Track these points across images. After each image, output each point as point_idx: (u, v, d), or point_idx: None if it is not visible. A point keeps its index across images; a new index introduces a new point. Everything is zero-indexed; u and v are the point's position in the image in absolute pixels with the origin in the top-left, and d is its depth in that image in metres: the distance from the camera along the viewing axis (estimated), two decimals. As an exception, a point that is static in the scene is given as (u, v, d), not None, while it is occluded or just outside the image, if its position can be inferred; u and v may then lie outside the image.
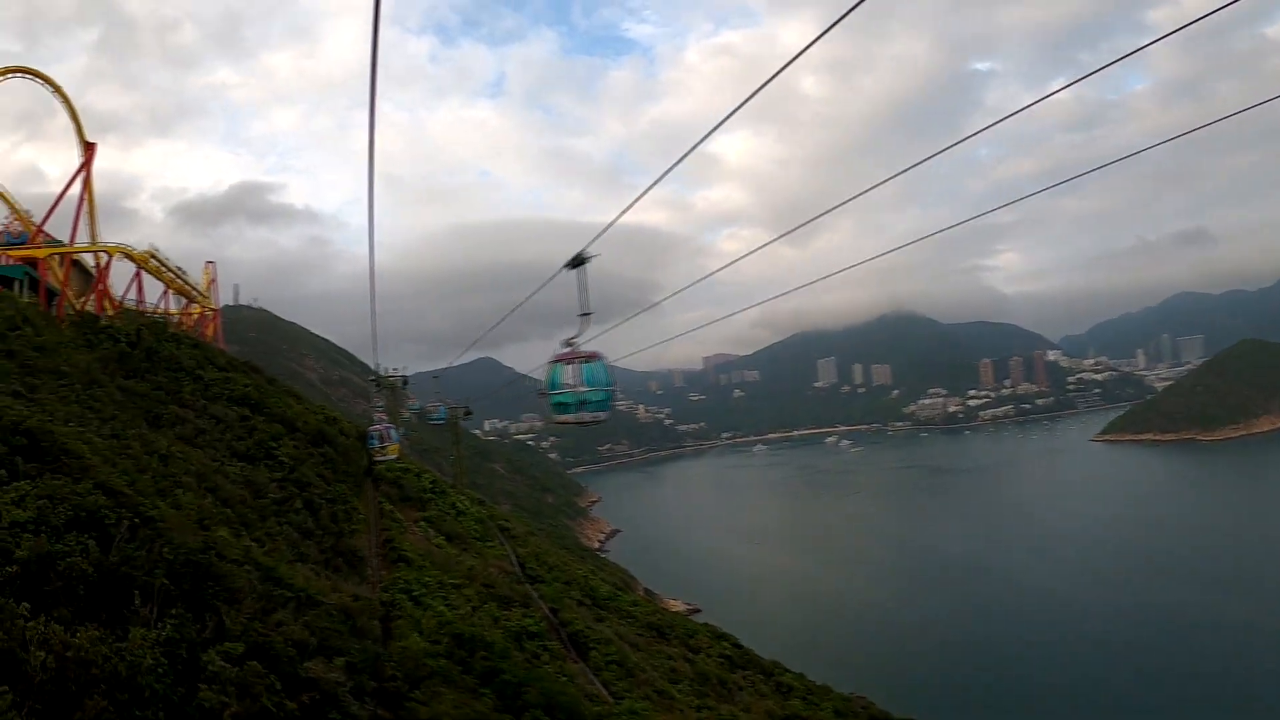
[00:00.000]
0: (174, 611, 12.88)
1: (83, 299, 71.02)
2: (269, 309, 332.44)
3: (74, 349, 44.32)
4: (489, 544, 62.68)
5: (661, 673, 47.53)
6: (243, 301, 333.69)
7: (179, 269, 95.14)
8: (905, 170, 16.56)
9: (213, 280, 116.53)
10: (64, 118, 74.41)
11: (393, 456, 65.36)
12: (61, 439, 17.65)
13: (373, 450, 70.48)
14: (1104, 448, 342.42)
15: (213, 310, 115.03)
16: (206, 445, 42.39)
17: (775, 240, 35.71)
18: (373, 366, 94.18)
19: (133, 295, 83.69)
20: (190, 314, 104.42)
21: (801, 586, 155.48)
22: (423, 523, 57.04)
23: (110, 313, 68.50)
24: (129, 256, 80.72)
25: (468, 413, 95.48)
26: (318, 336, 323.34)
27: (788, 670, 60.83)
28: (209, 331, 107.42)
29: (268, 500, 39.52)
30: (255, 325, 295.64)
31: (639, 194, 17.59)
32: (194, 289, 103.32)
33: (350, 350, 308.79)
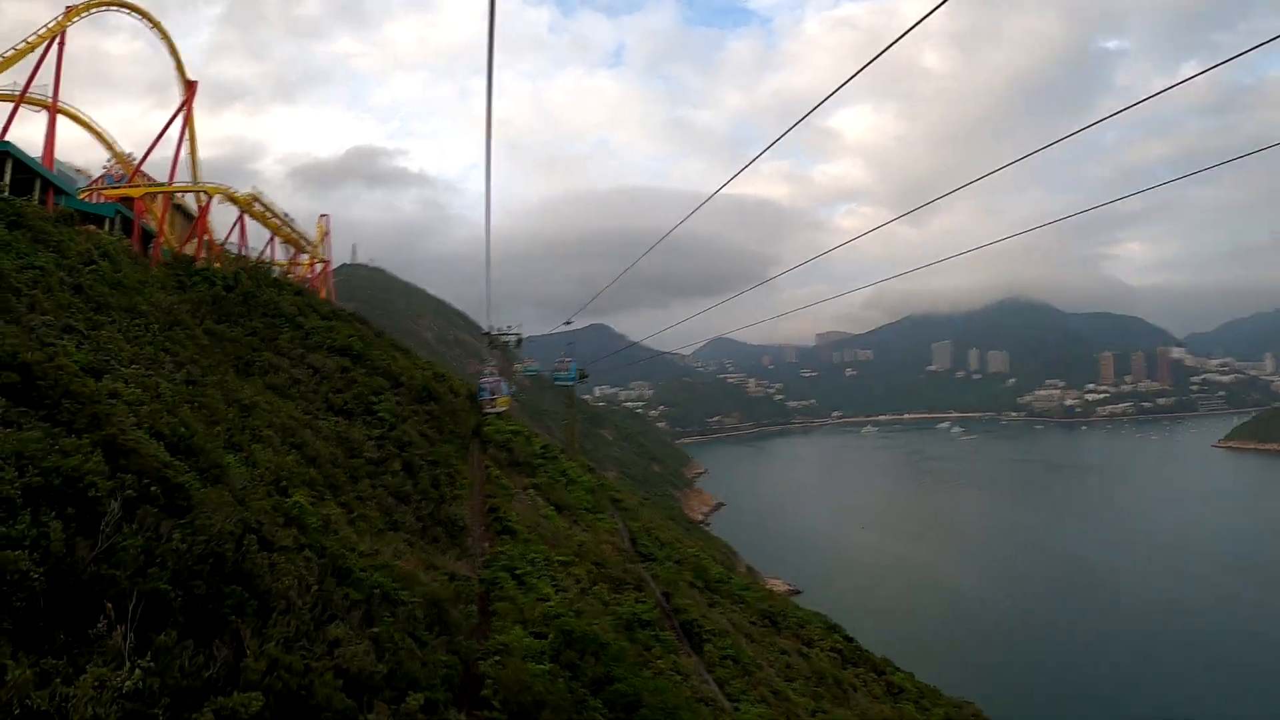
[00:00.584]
0: (161, 637, 8.51)
1: (182, 242, 68.28)
2: (386, 268, 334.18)
3: (159, 289, 40.35)
4: (599, 516, 58.13)
5: (777, 668, 43.20)
6: (360, 260, 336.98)
7: (286, 215, 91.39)
8: (1029, 154, 16.68)
9: (326, 234, 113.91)
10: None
11: (503, 409, 68.47)
12: (69, 378, 13.21)
13: (483, 402, 70.18)
14: (1227, 455, 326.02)
15: (323, 262, 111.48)
16: (299, 397, 39.15)
17: (892, 222, 35.45)
18: (485, 328, 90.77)
19: (236, 240, 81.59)
20: (297, 264, 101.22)
21: (908, 576, 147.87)
22: (531, 490, 52.51)
23: (210, 256, 65.32)
24: (231, 199, 77.66)
25: (584, 375, 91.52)
26: (434, 297, 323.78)
27: (898, 669, 56.17)
28: (318, 284, 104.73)
29: (362, 460, 35.99)
30: (371, 284, 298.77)
31: (749, 164, 18.69)
32: (302, 238, 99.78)
33: (466, 312, 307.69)
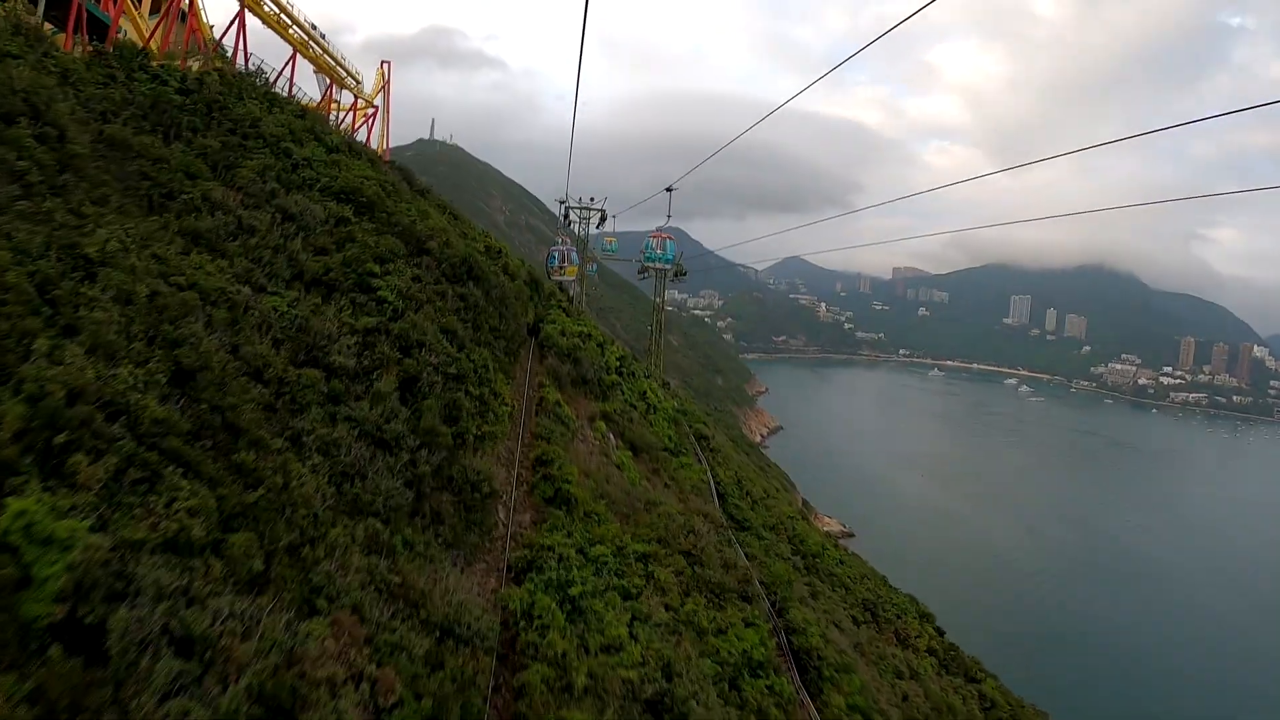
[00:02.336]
0: None
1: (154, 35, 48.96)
2: (464, 147, 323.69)
3: (62, 85, 24.59)
4: (684, 461, 43.90)
5: (893, 700, 33.50)
6: (438, 136, 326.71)
7: (313, 27, 68.06)
8: (1141, 133, 16.42)
9: (387, 82, 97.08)
10: None
11: (570, 279, 70.47)
12: None
13: (551, 269, 69.41)
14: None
15: (373, 108, 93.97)
16: (241, 255, 22.22)
17: (994, 173, 36.39)
18: (562, 200, 79.74)
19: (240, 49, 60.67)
20: (334, 103, 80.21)
21: (958, 534, 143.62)
22: (600, 423, 37.70)
23: (201, 56, 45.51)
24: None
25: (681, 272, 79.69)
26: (510, 180, 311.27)
27: (987, 674, 50.58)
28: (361, 131, 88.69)
29: (319, 372, 19.49)
30: (447, 160, 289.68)
31: (825, 75, 20.24)
32: (340, 64, 77.70)
33: (543, 199, 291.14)
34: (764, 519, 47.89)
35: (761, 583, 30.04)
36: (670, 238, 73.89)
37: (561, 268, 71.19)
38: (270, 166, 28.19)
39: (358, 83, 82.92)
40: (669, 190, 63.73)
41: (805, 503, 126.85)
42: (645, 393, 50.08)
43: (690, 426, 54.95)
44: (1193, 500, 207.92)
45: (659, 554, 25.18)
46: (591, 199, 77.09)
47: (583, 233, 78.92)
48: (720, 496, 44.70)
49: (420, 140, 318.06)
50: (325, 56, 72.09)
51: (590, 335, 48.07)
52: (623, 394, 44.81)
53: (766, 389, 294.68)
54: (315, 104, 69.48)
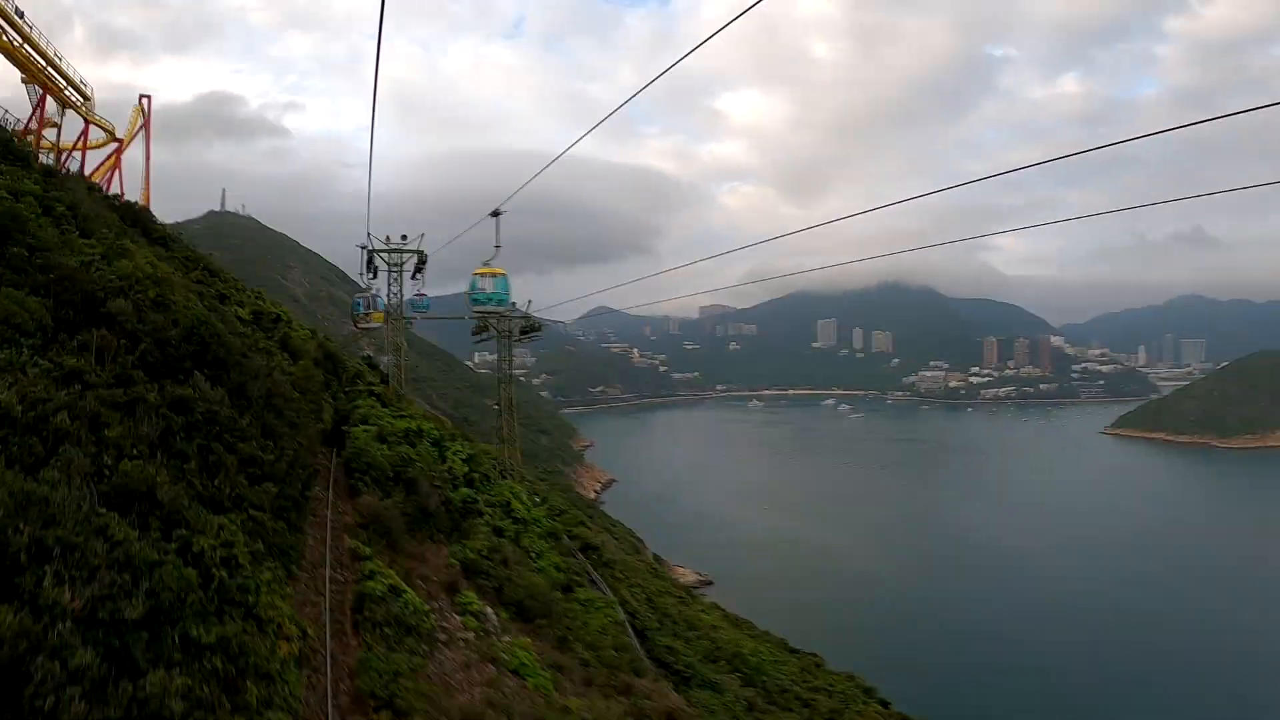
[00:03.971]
0: None
1: None
2: (258, 218, 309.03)
3: None
4: (582, 597, 31.76)
5: None
6: (229, 207, 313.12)
7: (17, 11, 53.38)
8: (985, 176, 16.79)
9: (146, 119, 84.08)
10: None
11: (377, 325, 61.87)
12: None
13: (357, 317, 62.06)
14: (1115, 442, 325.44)
15: (114, 138, 79.15)
16: None
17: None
18: (366, 236, 59.27)
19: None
20: (48, 122, 63.95)
21: (817, 561, 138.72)
22: (466, 591, 22.96)
23: None
24: None
25: (534, 327, 68.59)
26: (309, 251, 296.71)
27: None
28: (103, 171, 76.27)
29: None
30: (241, 233, 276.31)
31: (608, 117, 20.08)
32: (57, 70, 61.57)
33: (343, 269, 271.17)
34: (699, 648, 37.44)
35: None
36: (501, 272, 56.83)
37: (368, 315, 61.10)
38: None
39: (85, 99, 66.82)
40: (495, 215, 47.19)
41: (656, 556, 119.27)
42: (510, 504, 36.31)
43: (569, 533, 43.67)
44: (1024, 485, 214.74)
45: None
46: (404, 237, 59.79)
47: (394, 291, 60.94)
48: (641, 634, 33.82)
49: (211, 212, 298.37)
50: (30, 55, 55.81)
51: (422, 431, 34.87)
52: (484, 519, 31.17)
53: (592, 442, 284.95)
54: (19, 127, 55.47)
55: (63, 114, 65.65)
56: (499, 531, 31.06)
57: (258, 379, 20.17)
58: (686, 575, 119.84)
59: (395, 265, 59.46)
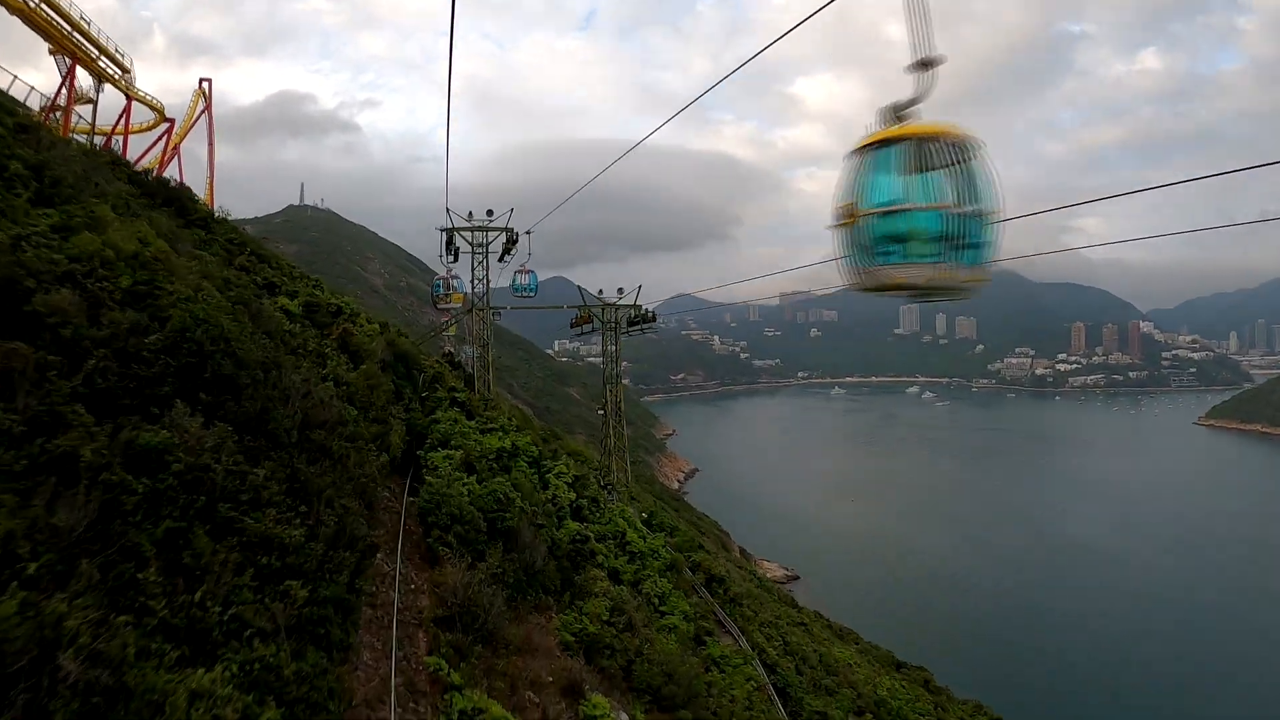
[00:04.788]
0: None
1: None
2: (337, 211, 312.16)
3: None
4: (714, 654, 26.54)
5: None
6: (308, 201, 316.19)
7: None
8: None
9: (208, 103, 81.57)
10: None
11: (457, 306, 57.38)
12: None
13: (437, 298, 58.08)
14: (1210, 434, 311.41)
15: (166, 120, 73.65)
16: None
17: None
18: (441, 232, 51.77)
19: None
20: (83, 98, 58.87)
21: (905, 557, 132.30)
22: (594, 694, 16.50)
23: None
24: None
25: (646, 319, 60.15)
26: (388, 242, 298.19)
27: None
28: (148, 152, 70.31)
29: None
30: (320, 226, 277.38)
31: (683, 109, 18.17)
32: (86, 36, 56.42)
33: (423, 260, 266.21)
34: (844, 700, 31.80)
35: None
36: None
37: (447, 295, 57.38)
38: None
39: (124, 71, 61.51)
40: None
41: (743, 551, 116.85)
42: (625, 535, 30.55)
43: (689, 561, 37.88)
44: (1123, 480, 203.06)
45: None
46: (489, 213, 51.41)
47: (479, 276, 52.88)
48: (783, 693, 27.99)
49: (290, 206, 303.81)
50: (50, 18, 51.37)
51: (518, 450, 28.14)
52: (601, 568, 25.19)
53: (674, 431, 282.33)
54: (46, 104, 50.26)
55: (99, 90, 60.53)
56: (616, 576, 25.87)
57: (289, 401, 14.06)
58: (773, 570, 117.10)
59: (479, 246, 51.26)
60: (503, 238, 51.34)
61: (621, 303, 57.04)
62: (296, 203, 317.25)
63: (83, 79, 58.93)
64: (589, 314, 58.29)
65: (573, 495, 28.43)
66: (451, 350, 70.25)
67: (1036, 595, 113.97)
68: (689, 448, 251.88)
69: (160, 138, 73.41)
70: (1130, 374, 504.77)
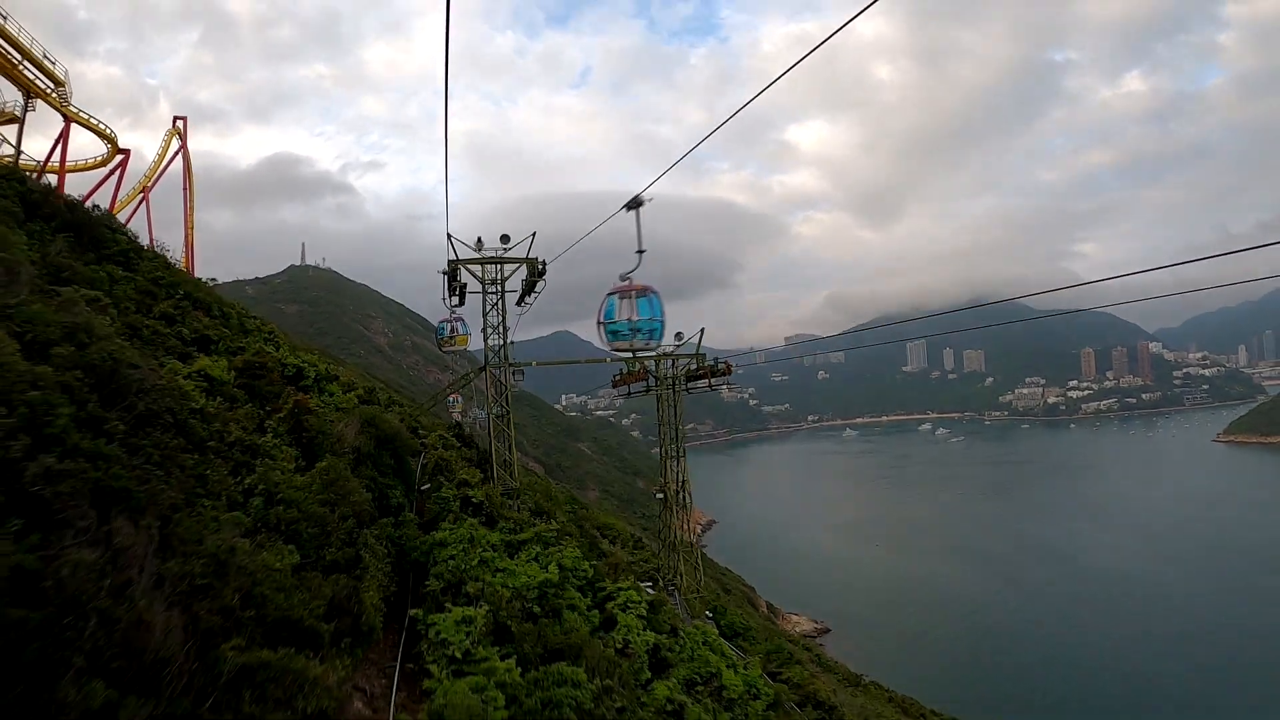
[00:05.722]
0: None
1: None
2: (338, 270, 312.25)
3: None
4: None
5: None
6: (309, 261, 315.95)
7: None
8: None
9: (183, 142, 76.26)
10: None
11: (462, 348, 57.38)
12: None
13: (441, 341, 56.19)
14: (1230, 450, 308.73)
15: (120, 151, 65.17)
16: None
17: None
18: (441, 274, 39.67)
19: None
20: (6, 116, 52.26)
21: (937, 604, 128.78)
22: None
23: None
24: None
25: (719, 373, 43.73)
26: (390, 300, 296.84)
27: None
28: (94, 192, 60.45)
29: None
30: (322, 285, 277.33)
31: (681, 158, 18.01)
32: (14, 47, 50.56)
33: (428, 318, 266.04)
34: None
35: None
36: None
37: (452, 339, 54.46)
38: None
39: (57, 84, 54.09)
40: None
41: (770, 606, 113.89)
42: (719, 674, 22.20)
43: (789, 683, 32.14)
44: (1145, 505, 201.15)
45: None
46: (504, 238, 36.72)
47: (493, 321, 38.11)
48: None
49: (291, 266, 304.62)
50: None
51: (566, 576, 21.00)
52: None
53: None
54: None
55: (28, 107, 52.76)
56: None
57: (123, 603, 7.91)
58: (802, 624, 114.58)
59: (492, 283, 37.30)
60: (522, 271, 37.25)
61: (681, 352, 43.04)
62: (298, 263, 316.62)
63: (8, 92, 52.12)
64: (644, 369, 43.09)
65: (651, 636, 20.74)
66: (459, 419, 66.21)
67: (1079, 638, 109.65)
68: (704, 498, 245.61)
69: (112, 172, 63.00)
70: (1143, 395, 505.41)
